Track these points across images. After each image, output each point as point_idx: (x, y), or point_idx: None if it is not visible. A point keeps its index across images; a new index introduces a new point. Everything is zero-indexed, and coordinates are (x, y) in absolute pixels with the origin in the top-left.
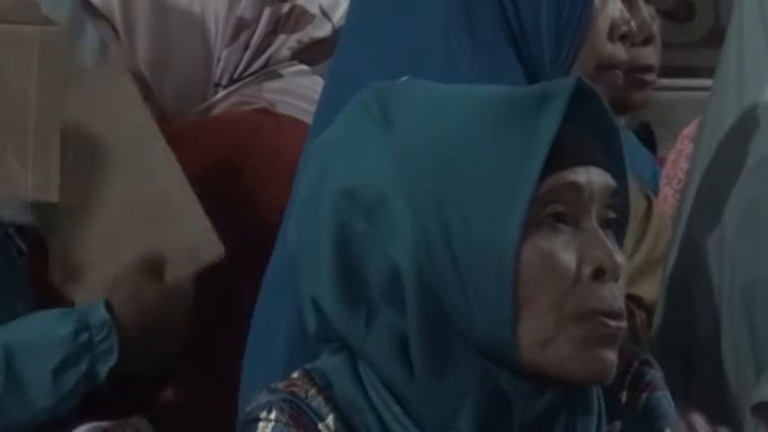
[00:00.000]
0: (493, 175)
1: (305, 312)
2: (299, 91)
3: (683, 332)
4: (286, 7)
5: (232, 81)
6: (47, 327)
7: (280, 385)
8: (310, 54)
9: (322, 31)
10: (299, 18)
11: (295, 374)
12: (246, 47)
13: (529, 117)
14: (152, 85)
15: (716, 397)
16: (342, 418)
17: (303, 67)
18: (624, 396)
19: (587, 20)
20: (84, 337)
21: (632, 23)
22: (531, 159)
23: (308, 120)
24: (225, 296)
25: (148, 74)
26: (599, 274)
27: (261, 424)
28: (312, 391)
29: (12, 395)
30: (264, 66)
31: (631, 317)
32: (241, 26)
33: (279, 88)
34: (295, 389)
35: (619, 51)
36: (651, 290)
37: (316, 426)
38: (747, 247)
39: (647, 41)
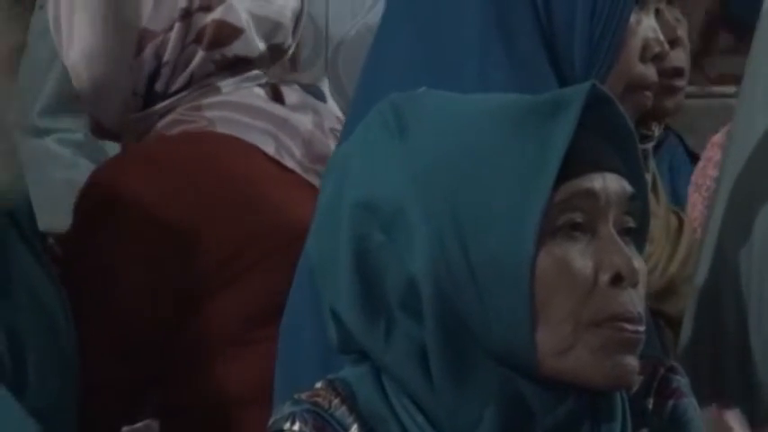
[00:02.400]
0: (507, 185)
1: (326, 323)
2: (238, 102)
3: (711, 344)
4: (207, 19)
5: (154, 94)
6: None
7: (303, 396)
8: (237, 71)
9: (250, 49)
10: (220, 32)
11: (318, 385)
12: (158, 58)
13: (543, 125)
14: (75, 82)
15: (747, 410)
16: (366, 427)
17: (240, 81)
18: (651, 403)
19: (621, 37)
20: None
21: (665, 45)
22: (544, 168)
23: (251, 134)
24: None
25: (74, 71)
26: (617, 281)
27: None
28: (336, 402)
29: None
30: (189, 81)
31: (660, 332)
32: (145, 37)
33: (218, 102)
34: (318, 399)
35: (650, 72)
36: (680, 309)
37: None
38: None
39: (672, 44)
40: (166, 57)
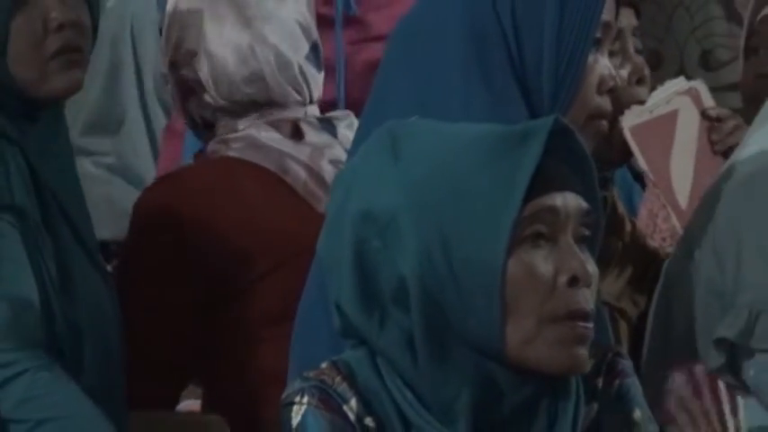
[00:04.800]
0: (483, 201)
1: (331, 313)
2: (254, 136)
3: (664, 339)
4: (182, 72)
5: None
6: None
7: (311, 374)
8: (235, 114)
9: (215, 100)
10: (185, 86)
11: (324, 365)
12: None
13: (514, 151)
14: None
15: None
16: (363, 400)
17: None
18: (600, 382)
19: (581, 75)
20: None
21: (618, 79)
22: (514, 188)
23: (262, 160)
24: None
25: None
26: (573, 282)
27: (295, 407)
28: (338, 379)
29: None
30: (194, 123)
31: (615, 323)
32: (164, 78)
33: (240, 137)
34: (324, 377)
35: (606, 103)
36: (633, 306)
37: (341, 407)
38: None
39: (640, 81)
40: (175, 96)
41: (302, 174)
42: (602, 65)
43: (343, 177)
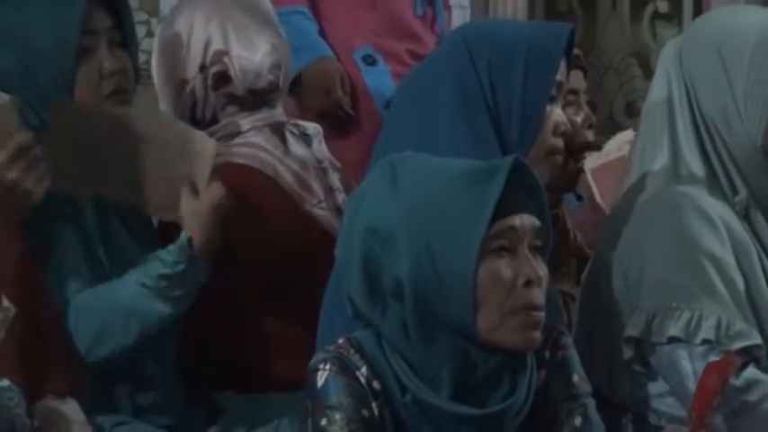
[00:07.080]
0: (460, 222)
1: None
2: (256, 143)
3: (588, 319)
4: (213, 71)
5: (195, 122)
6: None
7: (331, 347)
8: (243, 107)
9: (239, 90)
10: (218, 79)
11: (340, 341)
12: (193, 96)
13: (483, 182)
14: None
15: (608, 365)
16: (371, 368)
17: (253, 120)
18: (547, 354)
19: (540, 121)
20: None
21: (568, 125)
22: (483, 212)
23: (264, 167)
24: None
25: None
26: (529, 284)
27: (319, 372)
28: (351, 351)
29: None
30: (213, 113)
31: (566, 305)
32: (182, 85)
33: (243, 142)
34: (341, 350)
35: (559, 143)
36: (577, 289)
37: (355, 373)
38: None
39: (590, 127)
40: (197, 95)
41: (290, 179)
42: (557, 113)
43: (353, 199)
